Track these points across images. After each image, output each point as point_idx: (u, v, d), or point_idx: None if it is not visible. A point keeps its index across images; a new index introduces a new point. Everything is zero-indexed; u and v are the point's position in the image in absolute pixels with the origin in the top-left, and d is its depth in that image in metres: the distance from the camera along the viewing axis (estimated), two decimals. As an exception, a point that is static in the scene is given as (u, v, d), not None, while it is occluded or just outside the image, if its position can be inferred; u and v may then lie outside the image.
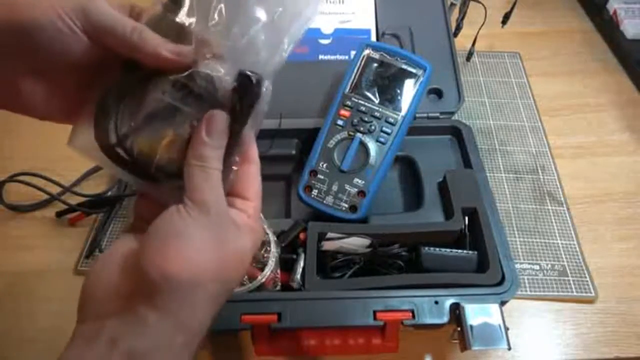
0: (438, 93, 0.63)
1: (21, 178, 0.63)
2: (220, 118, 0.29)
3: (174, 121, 0.30)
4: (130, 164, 0.31)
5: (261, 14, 0.29)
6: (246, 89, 0.29)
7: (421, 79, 0.54)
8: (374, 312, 0.44)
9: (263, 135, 0.59)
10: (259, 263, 0.48)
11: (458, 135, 0.60)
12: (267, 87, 0.30)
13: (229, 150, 0.29)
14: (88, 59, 0.30)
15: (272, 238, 0.48)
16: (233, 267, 0.28)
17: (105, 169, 0.31)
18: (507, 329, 0.43)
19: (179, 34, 0.30)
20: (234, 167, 0.30)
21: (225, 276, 0.28)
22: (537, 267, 0.57)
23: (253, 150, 0.32)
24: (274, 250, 0.48)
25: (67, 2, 0.28)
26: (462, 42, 0.76)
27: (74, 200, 0.62)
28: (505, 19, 0.77)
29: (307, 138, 0.58)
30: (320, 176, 0.52)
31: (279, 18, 0.30)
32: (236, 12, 0.29)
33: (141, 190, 0.32)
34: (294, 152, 0.60)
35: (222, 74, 0.29)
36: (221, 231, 0.28)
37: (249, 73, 0.29)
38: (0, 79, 0.29)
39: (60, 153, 0.63)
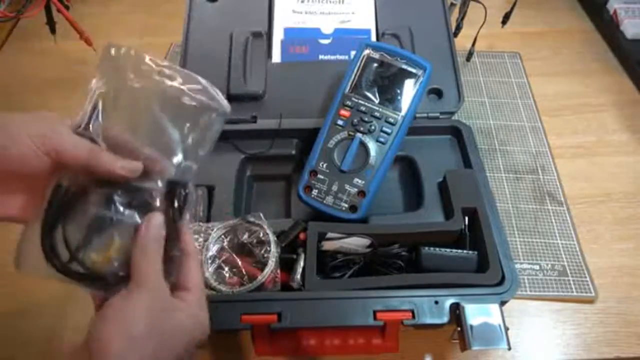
0: (438, 93, 0.63)
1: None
2: (156, 217, 0.34)
3: (119, 229, 0.34)
4: (84, 275, 0.33)
5: (177, 132, 0.36)
6: (176, 193, 0.35)
7: (421, 79, 0.54)
8: (374, 312, 0.44)
9: (263, 135, 0.60)
10: (259, 263, 0.48)
11: (458, 135, 0.60)
12: (190, 188, 0.36)
13: (168, 245, 0.34)
14: (42, 170, 0.33)
15: (272, 238, 0.48)
16: (169, 334, 0.32)
17: (60, 282, 0.34)
18: (507, 328, 0.43)
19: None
20: (176, 254, 0.35)
21: (160, 341, 0.31)
22: (537, 267, 0.57)
23: (191, 245, 0.36)
24: (273, 250, 0.48)
25: (32, 128, 0.32)
26: (462, 42, 0.76)
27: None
28: (505, 19, 0.77)
29: (307, 138, 0.58)
30: (320, 176, 0.52)
31: (193, 135, 0.36)
32: (155, 131, 0.35)
33: (97, 295, 0.34)
34: (294, 152, 0.60)
35: (152, 183, 0.35)
36: (157, 301, 0.32)
37: (177, 181, 0.35)
38: None
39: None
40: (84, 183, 0.34)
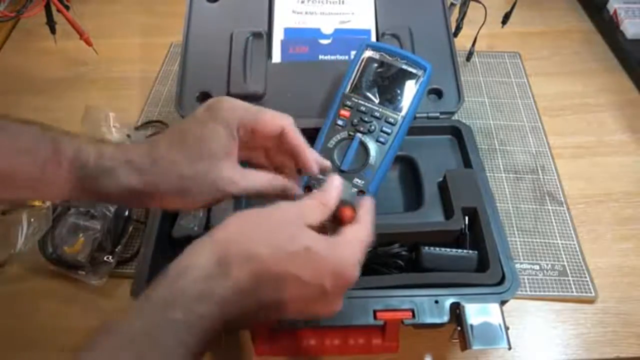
0: (438, 93, 0.63)
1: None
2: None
3: (84, 232, 0.56)
4: (58, 261, 0.55)
5: None
6: None
7: (421, 79, 0.54)
8: (374, 312, 0.44)
9: (263, 135, 0.60)
10: None
11: (458, 135, 0.60)
12: None
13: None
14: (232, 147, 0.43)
15: None
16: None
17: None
18: (507, 328, 0.43)
19: None
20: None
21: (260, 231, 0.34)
22: (537, 267, 0.57)
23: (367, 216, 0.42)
24: None
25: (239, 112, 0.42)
26: (462, 42, 0.76)
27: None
28: (505, 19, 0.77)
29: (307, 138, 0.57)
30: (320, 176, 0.52)
31: None
32: None
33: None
34: (294, 152, 0.60)
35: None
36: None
37: None
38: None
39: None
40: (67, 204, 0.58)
